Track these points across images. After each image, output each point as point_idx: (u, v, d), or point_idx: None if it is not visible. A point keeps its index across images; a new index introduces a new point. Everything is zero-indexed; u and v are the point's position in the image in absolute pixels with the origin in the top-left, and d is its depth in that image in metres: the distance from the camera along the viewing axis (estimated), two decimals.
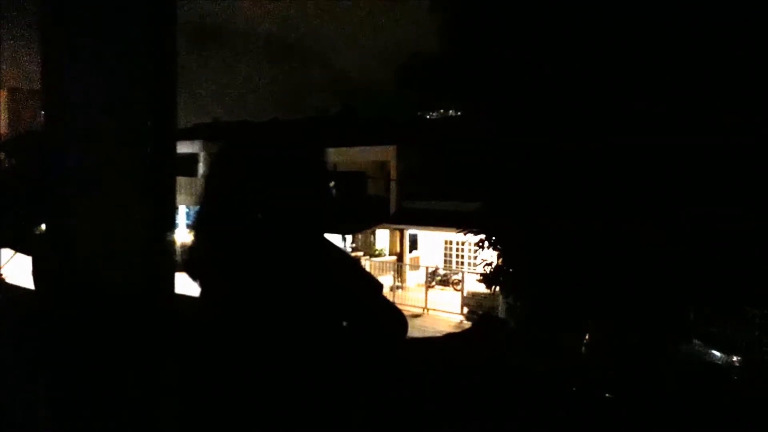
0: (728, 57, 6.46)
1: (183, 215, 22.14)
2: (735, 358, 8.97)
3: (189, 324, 1.12)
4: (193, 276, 1.14)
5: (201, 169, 23.06)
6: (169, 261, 1.00)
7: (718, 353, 9.11)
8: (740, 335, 8.74)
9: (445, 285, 19.11)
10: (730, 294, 7.15)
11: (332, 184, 1.22)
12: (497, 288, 9.85)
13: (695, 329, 8.71)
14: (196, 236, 1.17)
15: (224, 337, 1.11)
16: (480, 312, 16.11)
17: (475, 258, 10.88)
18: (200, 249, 1.16)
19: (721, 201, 6.62)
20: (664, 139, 6.73)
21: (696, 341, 9.10)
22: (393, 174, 20.78)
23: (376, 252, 21.83)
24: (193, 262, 1.15)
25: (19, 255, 1.29)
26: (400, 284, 19.49)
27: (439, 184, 18.69)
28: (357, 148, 19.71)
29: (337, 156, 19.24)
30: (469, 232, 10.01)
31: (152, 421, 0.95)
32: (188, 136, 23.26)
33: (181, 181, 20.11)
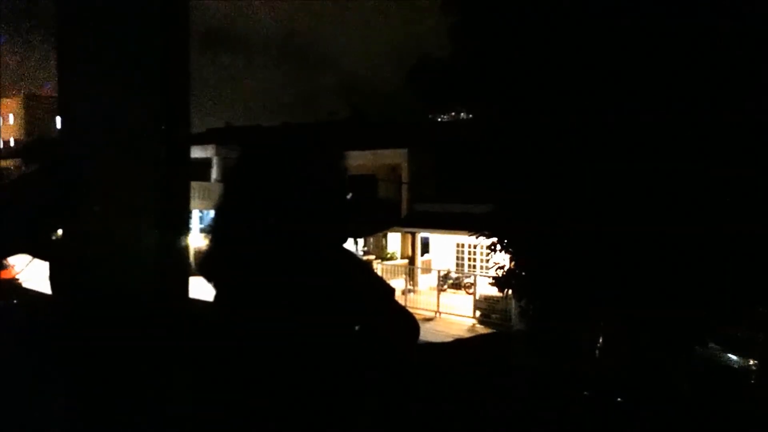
0: (739, 55, 6.41)
1: (196, 219, 22.29)
2: (751, 361, 8.85)
3: (203, 327, 1.13)
4: (208, 278, 1.15)
5: (214, 173, 23.21)
6: (183, 265, 1.01)
7: (733, 356, 9.00)
8: (754, 337, 8.63)
9: (457, 288, 19.04)
10: (742, 295, 7.07)
11: (348, 189, 1.22)
12: (510, 291, 9.81)
13: (709, 331, 8.61)
14: (212, 240, 1.18)
15: (236, 340, 1.11)
16: (493, 315, 16.04)
17: (488, 261, 10.84)
18: (216, 252, 1.17)
19: (733, 201, 6.56)
20: (678, 139, 6.68)
21: (713, 345, 8.99)
22: (404, 177, 20.78)
23: (388, 255, 21.81)
24: (209, 264, 1.16)
25: (37, 260, 1.30)
26: (411, 288, 19.45)
27: (450, 187, 18.65)
28: (368, 152, 19.72)
29: (348, 159, 19.20)
30: (481, 235, 9.98)
31: (167, 425, 0.96)
32: (200, 140, 23.42)
33: (195, 185, 20.25)
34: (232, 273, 1.14)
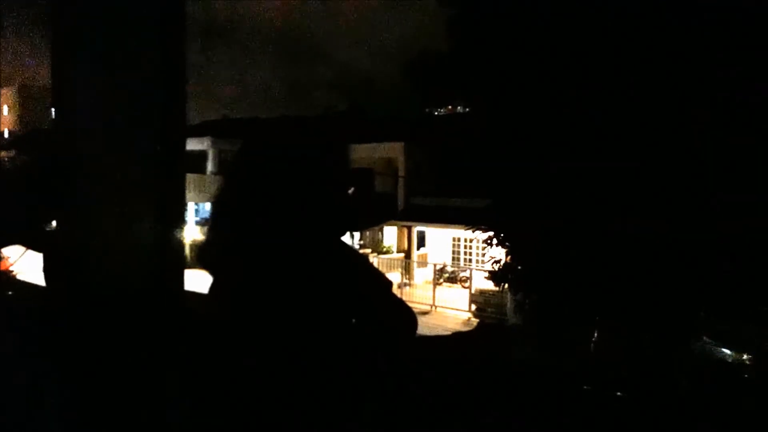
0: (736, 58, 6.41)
1: (192, 212, 22.24)
2: (745, 357, 8.90)
3: (199, 320, 1.12)
4: (208, 269, 1.15)
5: (210, 165, 23.13)
6: (178, 257, 1.00)
7: (728, 351, 9.03)
8: (752, 333, 8.67)
9: (453, 282, 19.07)
10: (741, 292, 7.10)
11: (347, 183, 1.22)
12: (505, 285, 9.83)
13: (706, 327, 8.65)
14: (212, 231, 1.18)
15: (235, 334, 1.11)
16: (489, 309, 16.08)
17: (483, 255, 10.85)
18: (215, 244, 1.17)
19: (731, 200, 6.58)
20: (674, 138, 6.69)
21: (706, 339, 9.03)
22: (401, 171, 20.76)
23: (384, 249, 21.82)
24: (209, 256, 1.16)
25: (31, 252, 1.29)
26: (408, 281, 19.47)
27: (446, 181, 18.65)
28: (364, 145, 19.70)
29: (347, 153, 19.16)
30: (477, 229, 9.99)
31: (163, 418, 0.95)
32: (196, 133, 23.33)
33: (190, 178, 20.18)
34: (231, 265, 1.13)
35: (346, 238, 1.24)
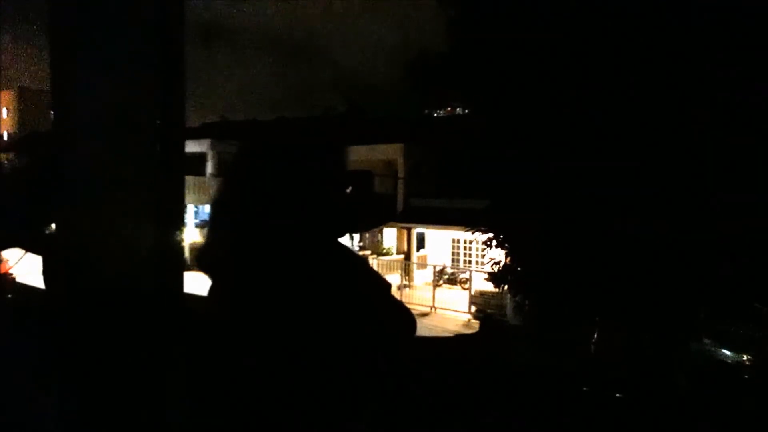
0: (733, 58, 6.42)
1: (191, 214, 22.25)
2: (745, 357, 8.89)
3: (199, 323, 1.12)
4: (206, 272, 1.15)
5: (209, 168, 23.13)
6: (178, 260, 1.00)
7: (728, 352, 9.03)
8: (752, 333, 8.67)
9: (452, 284, 19.07)
10: (741, 292, 7.10)
11: (346, 185, 1.22)
12: (505, 287, 9.83)
13: (706, 327, 8.65)
14: (210, 234, 1.18)
15: (234, 337, 1.11)
16: (488, 311, 16.08)
17: (483, 257, 10.85)
18: (214, 246, 1.17)
19: (731, 200, 6.58)
20: (674, 138, 6.70)
21: (706, 340, 9.03)
22: (400, 172, 20.77)
23: (384, 251, 21.82)
24: (207, 259, 1.16)
25: (30, 255, 1.29)
26: (407, 283, 19.47)
27: (446, 182, 18.66)
28: (364, 146, 19.70)
29: (345, 155, 19.14)
30: (477, 231, 9.99)
31: (163, 419, 0.95)
32: (196, 135, 23.34)
33: (190, 180, 20.17)
34: (230, 268, 1.13)
35: (345, 240, 1.24)
